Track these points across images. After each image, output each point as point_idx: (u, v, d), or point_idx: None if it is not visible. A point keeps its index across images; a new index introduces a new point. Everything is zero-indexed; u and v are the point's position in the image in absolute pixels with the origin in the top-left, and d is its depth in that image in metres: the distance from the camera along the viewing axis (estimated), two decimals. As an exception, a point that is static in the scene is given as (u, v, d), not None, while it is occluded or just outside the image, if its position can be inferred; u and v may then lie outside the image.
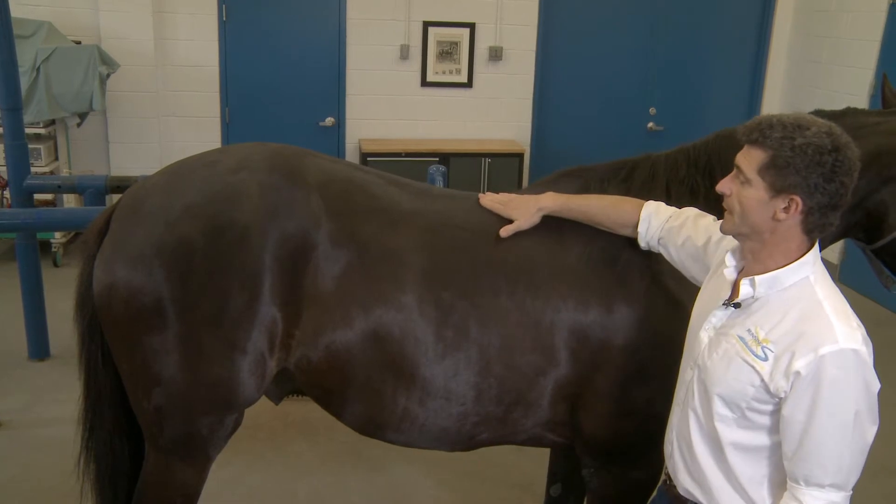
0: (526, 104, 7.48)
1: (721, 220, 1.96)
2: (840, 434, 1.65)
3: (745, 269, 1.83)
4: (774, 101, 7.67)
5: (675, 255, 2.14)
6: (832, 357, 1.63)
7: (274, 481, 3.75)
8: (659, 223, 2.17)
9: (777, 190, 1.68)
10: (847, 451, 1.67)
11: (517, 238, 2.33)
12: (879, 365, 5.52)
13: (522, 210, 2.32)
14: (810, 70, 7.30)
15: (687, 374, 1.91)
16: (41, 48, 5.84)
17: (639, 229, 2.20)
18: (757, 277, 1.75)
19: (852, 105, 2.46)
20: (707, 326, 1.86)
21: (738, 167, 1.74)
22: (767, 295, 1.75)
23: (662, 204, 2.22)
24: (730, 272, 1.85)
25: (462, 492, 3.74)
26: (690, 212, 2.16)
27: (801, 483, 1.69)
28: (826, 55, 7.07)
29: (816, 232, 1.73)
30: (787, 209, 1.69)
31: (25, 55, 5.70)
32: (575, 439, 2.40)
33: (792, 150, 1.65)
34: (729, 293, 1.84)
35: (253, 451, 3.92)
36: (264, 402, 2.46)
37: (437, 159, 6.68)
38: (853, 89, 6.60)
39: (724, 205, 1.79)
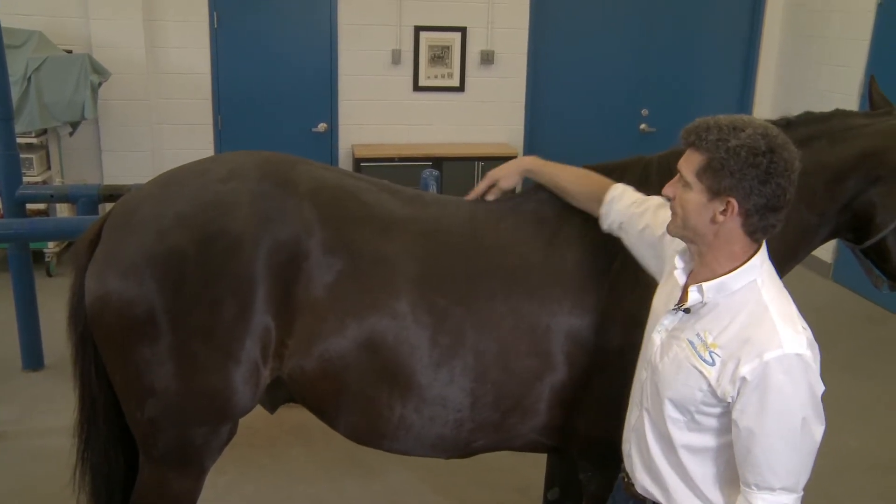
0: (518, 107, 7.49)
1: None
2: (788, 439, 1.65)
3: (695, 272, 1.83)
4: (766, 101, 7.70)
5: (634, 241, 2.16)
6: (777, 362, 1.63)
7: (270, 488, 3.74)
8: (622, 208, 2.19)
9: (714, 192, 1.69)
10: (796, 454, 1.67)
11: (511, 243, 2.34)
12: (873, 362, 5.53)
13: (505, 170, 2.46)
14: (800, 70, 7.32)
15: (641, 374, 1.92)
16: (32, 57, 5.82)
17: (602, 210, 2.23)
18: (704, 284, 1.75)
19: (842, 105, 2.47)
20: (659, 328, 1.86)
21: (679, 171, 1.75)
22: (716, 299, 1.76)
23: (630, 189, 2.24)
24: (679, 275, 1.86)
25: (459, 497, 3.73)
26: (654, 200, 2.16)
27: (753, 487, 1.70)
28: (816, 55, 7.10)
29: (759, 234, 1.73)
30: (724, 212, 1.69)
31: (16, 65, 5.69)
32: (571, 444, 2.40)
33: (726, 153, 1.65)
34: (679, 295, 1.85)
35: (249, 457, 3.91)
36: (260, 409, 2.46)
37: (431, 164, 6.68)
38: (843, 88, 6.63)
39: (670, 208, 1.80)
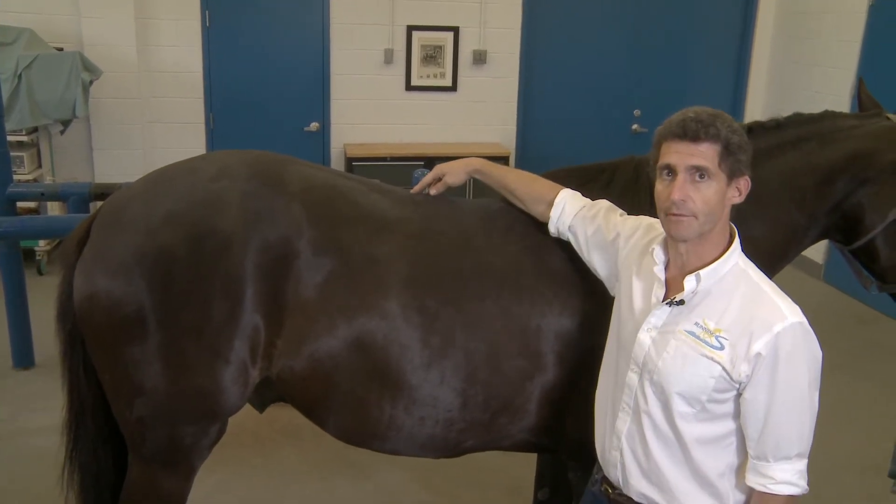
0: (510, 107, 7.50)
1: (635, 217, 2.08)
2: (799, 405, 1.72)
3: (677, 264, 1.85)
4: (757, 102, 7.72)
5: (583, 243, 2.18)
6: (785, 333, 1.69)
7: (261, 488, 3.74)
8: (572, 210, 2.22)
9: (731, 175, 1.76)
10: (806, 419, 1.74)
11: (501, 243, 2.34)
12: (864, 363, 5.55)
13: (452, 166, 2.47)
14: (792, 71, 7.35)
15: (630, 377, 1.90)
16: (23, 55, 5.80)
17: (551, 213, 2.25)
18: (702, 272, 1.78)
19: (833, 106, 2.49)
20: (647, 327, 1.86)
21: (697, 168, 1.73)
22: (708, 286, 1.79)
23: (577, 193, 2.27)
24: (660, 270, 1.87)
25: (450, 496, 3.73)
26: (603, 204, 2.21)
27: (770, 459, 1.75)
28: (807, 56, 7.12)
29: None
30: (739, 191, 1.79)
31: (7, 62, 5.67)
32: (561, 444, 2.40)
33: (735, 134, 1.74)
34: (662, 291, 1.86)
35: (239, 457, 3.91)
36: (250, 408, 2.45)
37: (423, 163, 6.68)
38: (835, 90, 6.66)
39: (680, 211, 1.75)
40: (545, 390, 2.28)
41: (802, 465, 1.76)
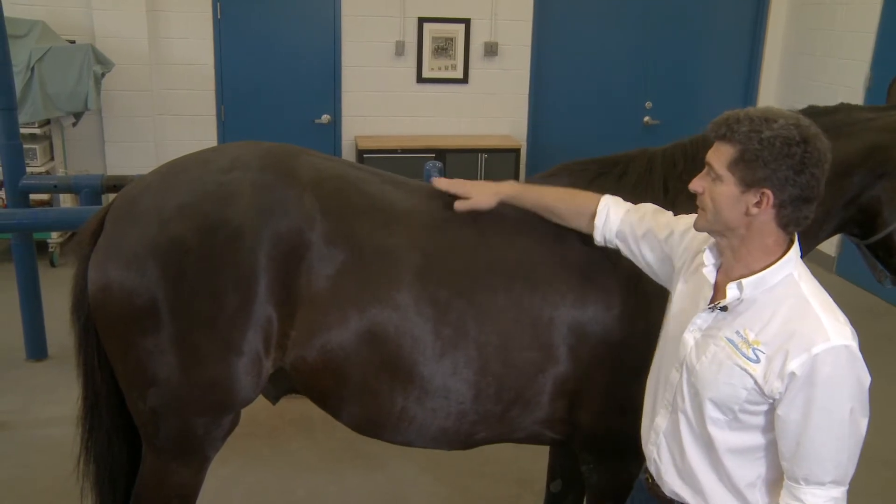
0: (522, 99, 7.48)
1: (689, 215, 1.98)
2: (837, 431, 1.64)
3: (725, 268, 1.80)
4: (770, 94, 7.67)
5: (634, 247, 2.12)
6: (825, 355, 1.62)
7: (272, 479, 3.75)
8: (617, 216, 2.15)
9: (748, 184, 1.67)
10: (844, 447, 1.66)
11: (514, 235, 2.33)
12: (876, 356, 5.55)
13: (480, 190, 2.32)
14: (806, 63, 7.30)
15: (673, 376, 1.88)
16: (35, 48, 5.82)
17: (595, 222, 2.18)
18: (744, 281, 1.72)
19: (847, 98, 2.45)
20: (692, 328, 1.83)
21: (709, 164, 1.73)
22: (754, 295, 1.73)
23: (619, 198, 2.21)
24: (709, 271, 1.82)
25: (460, 488, 3.74)
26: (648, 207, 2.15)
27: (802, 482, 1.68)
28: (821, 48, 7.07)
29: (792, 226, 1.72)
30: (758, 203, 1.67)
31: (19, 55, 5.69)
32: (573, 436, 2.40)
33: (760, 143, 1.64)
34: (710, 293, 1.82)
35: (251, 448, 3.92)
36: (262, 399, 2.46)
37: (434, 155, 6.68)
38: (849, 82, 6.60)
39: (698, 203, 1.77)
40: (558, 383, 2.28)
41: (839, 492, 1.69)
